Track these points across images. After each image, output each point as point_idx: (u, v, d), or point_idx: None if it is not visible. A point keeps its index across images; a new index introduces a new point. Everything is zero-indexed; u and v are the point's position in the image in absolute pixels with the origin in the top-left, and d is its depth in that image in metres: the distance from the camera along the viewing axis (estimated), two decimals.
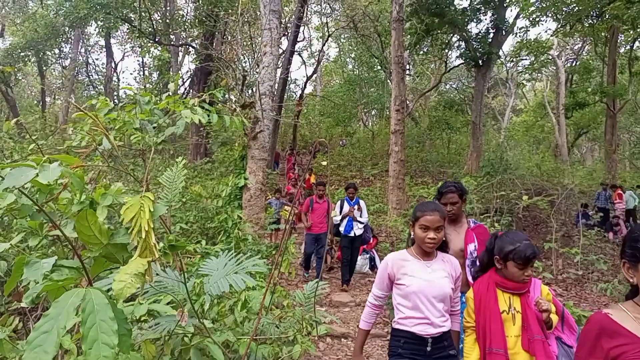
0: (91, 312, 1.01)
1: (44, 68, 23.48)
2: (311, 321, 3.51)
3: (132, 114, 3.59)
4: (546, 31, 54.61)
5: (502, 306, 2.38)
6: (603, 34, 17.53)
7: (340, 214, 7.58)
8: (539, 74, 24.98)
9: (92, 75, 26.95)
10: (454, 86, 29.80)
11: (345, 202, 7.66)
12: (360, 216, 7.56)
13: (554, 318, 2.41)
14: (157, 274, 1.70)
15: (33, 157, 1.15)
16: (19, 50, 20.60)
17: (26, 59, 21.38)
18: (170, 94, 3.75)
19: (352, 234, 7.49)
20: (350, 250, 7.52)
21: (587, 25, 16.41)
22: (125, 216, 1.26)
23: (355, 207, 7.52)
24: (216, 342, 1.94)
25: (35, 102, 27.13)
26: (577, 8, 14.53)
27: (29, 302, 1.22)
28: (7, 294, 1.34)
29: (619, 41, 17.94)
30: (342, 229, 7.55)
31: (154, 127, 3.69)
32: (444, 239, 2.47)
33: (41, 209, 1.12)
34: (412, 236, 2.55)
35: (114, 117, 3.46)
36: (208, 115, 3.85)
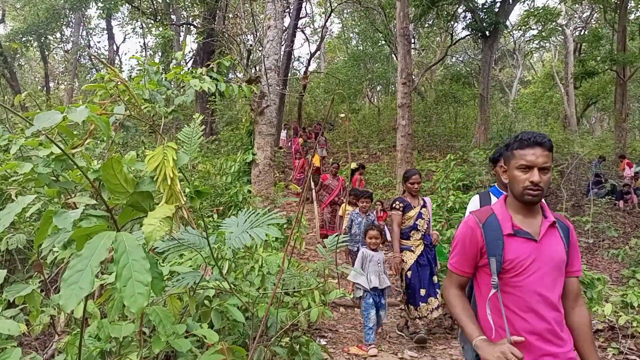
0: (124, 252, 1.03)
1: (47, 53, 23.38)
2: (324, 291, 3.55)
3: (141, 85, 3.59)
4: None
5: None
6: (613, 0, 17.12)
7: None
8: (546, 43, 24.52)
9: (94, 58, 26.80)
10: (461, 59, 29.37)
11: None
12: None
13: None
14: (179, 232, 1.72)
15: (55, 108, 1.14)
16: (21, 35, 20.50)
17: (28, 44, 21.28)
18: (177, 64, 3.74)
19: None
20: None
21: None
22: (149, 166, 1.27)
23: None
24: (240, 299, 1.97)
25: (40, 87, 27.11)
26: None
27: (61, 247, 1.23)
28: (36, 248, 1.35)
29: (629, 7, 17.52)
30: None
31: (164, 99, 3.69)
32: None
33: (64, 152, 1.13)
34: None
35: (124, 88, 3.46)
36: (216, 85, 3.85)
